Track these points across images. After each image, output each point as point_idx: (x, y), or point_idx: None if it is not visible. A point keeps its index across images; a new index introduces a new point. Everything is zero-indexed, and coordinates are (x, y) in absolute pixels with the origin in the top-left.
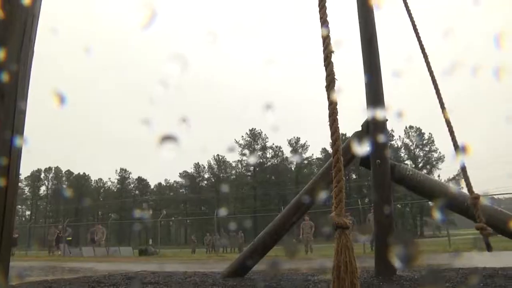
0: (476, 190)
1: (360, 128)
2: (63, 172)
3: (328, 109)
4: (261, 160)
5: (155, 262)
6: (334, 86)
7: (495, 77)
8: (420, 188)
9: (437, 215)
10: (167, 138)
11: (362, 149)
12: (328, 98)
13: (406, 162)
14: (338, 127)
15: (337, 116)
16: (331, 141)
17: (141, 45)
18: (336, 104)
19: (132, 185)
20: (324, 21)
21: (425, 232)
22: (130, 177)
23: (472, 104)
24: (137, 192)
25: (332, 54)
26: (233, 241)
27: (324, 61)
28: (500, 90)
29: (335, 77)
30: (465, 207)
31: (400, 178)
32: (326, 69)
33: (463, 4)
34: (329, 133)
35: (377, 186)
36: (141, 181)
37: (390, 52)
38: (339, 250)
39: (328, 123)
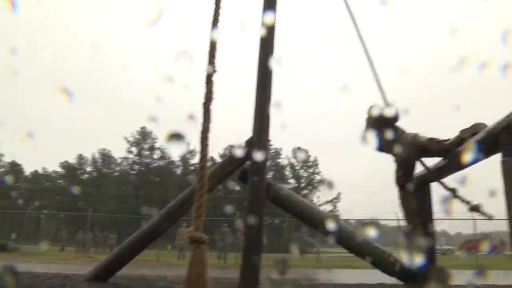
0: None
1: (244, 145)
2: None
3: (202, 126)
4: (147, 161)
5: (12, 260)
6: (211, 105)
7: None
8: (292, 209)
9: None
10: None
11: (244, 163)
12: (204, 117)
13: (290, 180)
14: (207, 144)
15: (209, 134)
16: (199, 155)
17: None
18: (209, 125)
19: (2, 169)
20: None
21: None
22: (1, 160)
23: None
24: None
25: (215, 73)
26: (105, 242)
27: (206, 79)
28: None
29: (213, 96)
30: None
31: (274, 197)
32: (206, 87)
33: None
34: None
35: (252, 201)
36: (14, 165)
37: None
38: (192, 263)
39: (200, 140)
